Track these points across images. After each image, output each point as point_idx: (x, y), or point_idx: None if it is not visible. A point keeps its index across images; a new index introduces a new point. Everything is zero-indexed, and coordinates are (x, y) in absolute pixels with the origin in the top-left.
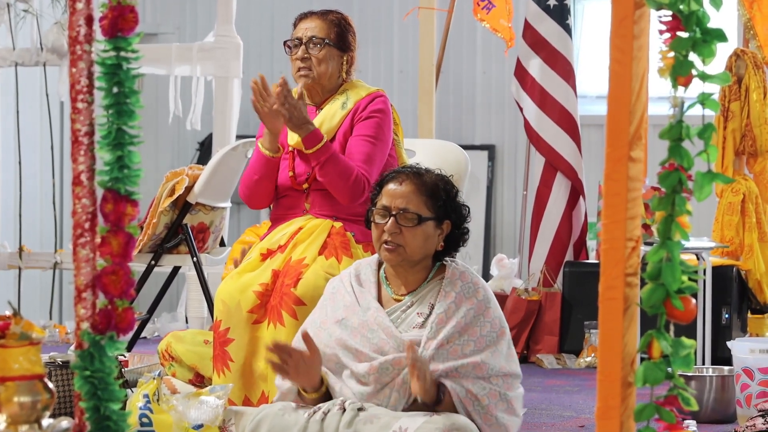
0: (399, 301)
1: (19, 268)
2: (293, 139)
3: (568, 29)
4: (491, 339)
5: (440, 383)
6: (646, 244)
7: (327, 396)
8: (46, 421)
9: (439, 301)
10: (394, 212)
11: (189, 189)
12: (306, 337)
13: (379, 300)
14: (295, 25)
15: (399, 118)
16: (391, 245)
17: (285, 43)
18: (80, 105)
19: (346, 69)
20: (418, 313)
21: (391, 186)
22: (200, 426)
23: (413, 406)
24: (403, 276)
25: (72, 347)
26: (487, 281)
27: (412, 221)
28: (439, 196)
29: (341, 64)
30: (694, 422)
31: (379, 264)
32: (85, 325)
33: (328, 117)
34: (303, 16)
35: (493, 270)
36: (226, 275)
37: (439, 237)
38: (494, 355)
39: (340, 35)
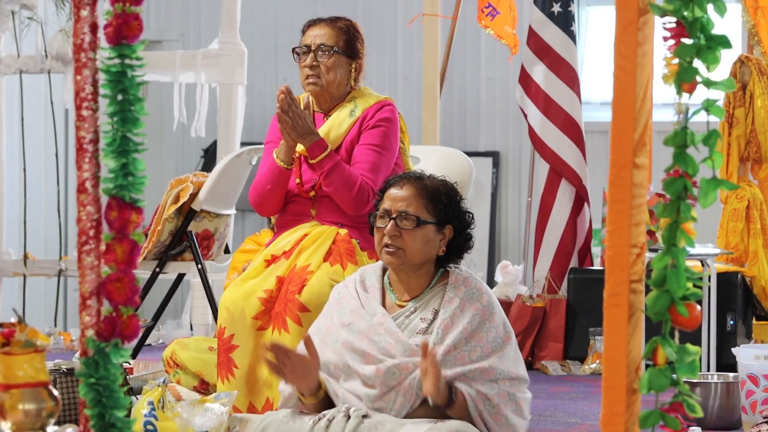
0: (402, 306)
1: (24, 276)
2: (300, 146)
3: (572, 36)
4: (497, 344)
5: (452, 385)
6: (651, 250)
7: (326, 402)
8: (50, 429)
9: (443, 307)
10: (393, 215)
11: (193, 196)
12: (307, 341)
13: (384, 306)
14: (303, 32)
15: (406, 126)
16: (392, 248)
17: (294, 50)
18: (85, 112)
19: (354, 76)
20: (421, 319)
21: (393, 190)
22: None
23: (418, 410)
24: (406, 282)
25: (77, 354)
26: (491, 288)
27: (411, 224)
28: (440, 200)
29: (350, 72)
30: (699, 429)
31: (384, 270)
32: (90, 333)
33: (336, 124)
34: (312, 23)
35: (498, 277)
36: (228, 285)
37: (441, 242)
38: (501, 360)
39: (348, 43)
